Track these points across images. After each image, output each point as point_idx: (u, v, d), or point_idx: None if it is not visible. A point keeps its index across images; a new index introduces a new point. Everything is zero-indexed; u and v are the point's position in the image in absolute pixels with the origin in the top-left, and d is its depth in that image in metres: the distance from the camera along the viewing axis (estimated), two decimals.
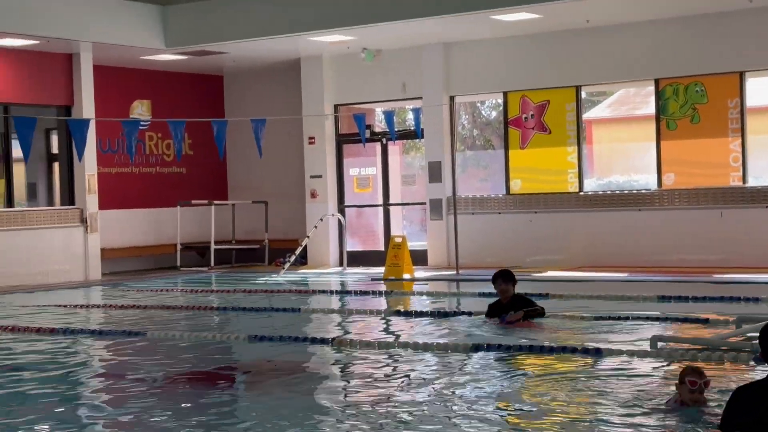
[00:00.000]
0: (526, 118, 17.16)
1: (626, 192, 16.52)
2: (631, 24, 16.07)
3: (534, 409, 6.61)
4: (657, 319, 10.31)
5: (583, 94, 17.17)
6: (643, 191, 16.36)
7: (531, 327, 9.82)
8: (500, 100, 17.82)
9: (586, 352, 8.34)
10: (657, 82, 16.11)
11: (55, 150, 18.15)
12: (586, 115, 18.78)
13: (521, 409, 6.64)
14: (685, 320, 10.11)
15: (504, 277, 10.16)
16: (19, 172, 17.39)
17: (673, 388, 6.41)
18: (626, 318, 10.32)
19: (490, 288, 13.49)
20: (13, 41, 16.14)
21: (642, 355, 8.15)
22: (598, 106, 23.14)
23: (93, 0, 16.41)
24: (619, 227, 16.23)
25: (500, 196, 17.38)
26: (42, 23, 15.72)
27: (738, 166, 15.54)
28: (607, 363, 8.00)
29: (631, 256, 15.99)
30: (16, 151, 16.46)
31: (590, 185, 17.34)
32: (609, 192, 16.76)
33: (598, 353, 8.26)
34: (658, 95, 16.11)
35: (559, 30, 16.53)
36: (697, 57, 15.71)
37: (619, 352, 8.24)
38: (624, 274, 14.85)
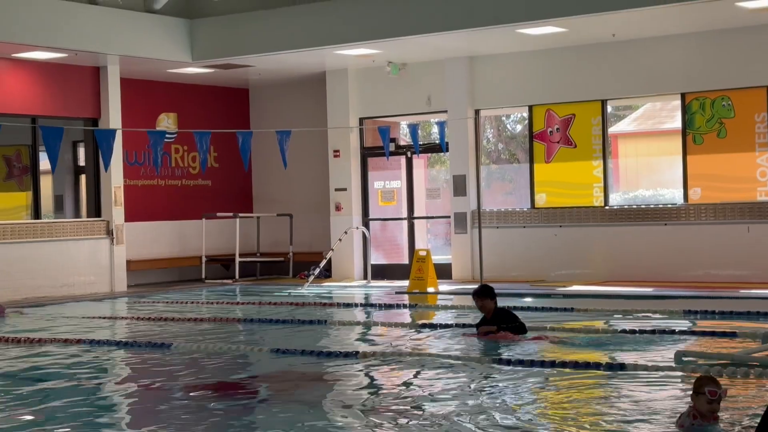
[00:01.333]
0: (551, 131, 17.13)
1: (652, 206, 16.43)
2: (657, 38, 16.02)
3: (553, 423, 6.57)
4: (682, 333, 10.25)
5: (609, 108, 17.12)
6: (669, 206, 16.27)
7: (509, 338, 9.81)
8: (525, 114, 17.79)
9: (609, 366, 8.29)
10: (683, 96, 16.04)
11: (81, 162, 18.27)
12: (612, 129, 18.71)
13: (540, 423, 6.60)
14: (711, 335, 10.04)
15: (478, 294, 10.19)
16: (46, 184, 17.52)
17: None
18: (651, 332, 10.27)
19: (515, 302, 13.56)
20: (41, 54, 16.28)
21: (666, 370, 8.09)
22: (624, 120, 23.06)
23: (120, 13, 16.54)
24: (644, 242, 16.15)
25: (525, 209, 17.34)
26: (70, 36, 15.86)
27: (765, 180, 15.44)
28: (630, 378, 7.94)
29: (657, 271, 15.91)
30: (44, 163, 16.62)
31: (616, 199, 17.27)
32: (635, 206, 16.68)
33: (621, 368, 8.21)
34: (685, 109, 16.03)
35: (584, 44, 16.50)
36: (723, 71, 15.64)
37: (644, 367, 8.19)
38: (649, 289, 14.77)
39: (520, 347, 9.59)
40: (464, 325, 11.35)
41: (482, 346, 9.79)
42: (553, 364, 8.53)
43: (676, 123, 16.73)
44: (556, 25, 15.15)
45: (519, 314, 10.50)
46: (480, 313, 10.36)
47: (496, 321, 10.08)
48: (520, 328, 10.06)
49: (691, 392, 6.17)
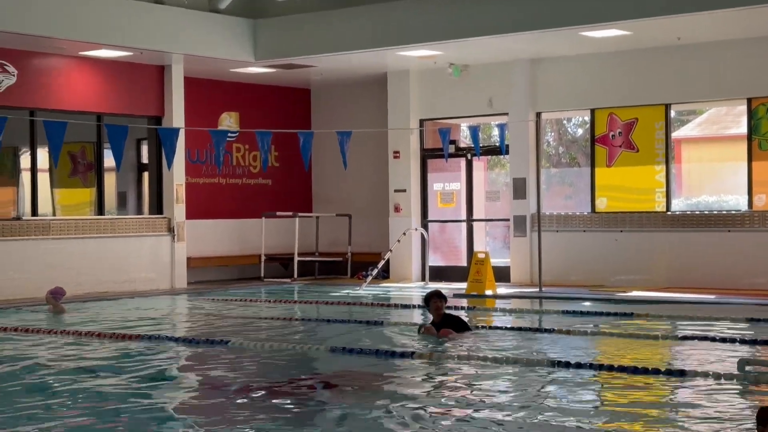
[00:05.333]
0: (613, 135, 16.97)
1: (715, 212, 16.21)
2: (723, 42, 15.79)
3: (607, 429, 6.50)
4: (745, 341, 10.09)
5: (673, 113, 16.92)
6: (732, 212, 16.04)
7: (453, 335, 10.46)
8: (587, 117, 17.65)
9: (669, 373, 8.19)
10: (749, 101, 15.79)
11: (145, 160, 18.49)
12: (675, 134, 18.47)
13: (594, 429, 6.53)
14: None
15: (438, 296, 10.79)
16: (110, 180, 17.76)
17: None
18: (713, 339, 10.13)
19: (575, 306, 13.49)
20: (107, 52, 16.51)
21: (729, 378, 7.97)
22: (688, 125, 22.76)
23: (185, 13, 16.72)
24: (707, 248, 15.92)
25: (585, 214, 17.19)
26: (135, 35, 16.06)
27: None
28: (691, 385, 7.84)
29: (720, 278, 15.67)
30: (108, 160, 16.86)
31: (678, 205, 17.06)
32: (698, 212, 16.46)
33: (681, 374, 8.11)
34: (751, 114, 15.79)
35: (649, 47, 16.32)
36: None
37: (705, 375, 8.07)
38: (712, 296, 14.56)
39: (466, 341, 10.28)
40: (521, 329, 11.32)
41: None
42: (611, 368, 8.45)
43: (742, 128, 16.48)
44: (620, 28, 15.00)
45: (573, 318, 10.51)
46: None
47: (444, 322, 10.71)
48: (461, 326, 10.80)
49: (757, 425, 6.01)
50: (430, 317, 10.96)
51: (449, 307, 13.85)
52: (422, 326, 10.92)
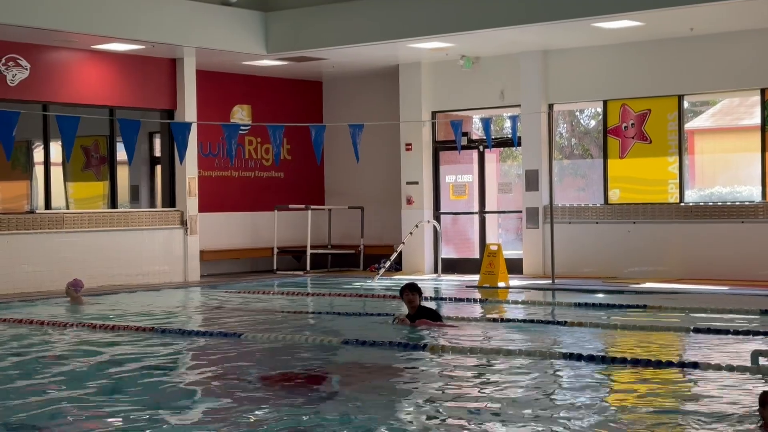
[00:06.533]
0: (626, 127, 16.92)
1: (729, 204, 16.15)
2: (736, 32, 15.72)
3: (620, 421, 6.50)
4: (758, 333, 10.06)
5: (686, 104, 16.86)
6: (746, 203, 15.98)
7: (430, 325, 10.62)
8: (600, 109, 17.61)
9: (682, 365, 8.18)
10: (763, 91, 15.72)
11: (157, 153, 18.52)
12: (689, 125, 18.42)
13: (607, 421, 6.53)
14: None
15: (411, 289, 10.88)
16: (122, 174, 17.80)
17: None
18: (726, 331, 10.10)
19: (588, 298, 13.46)
20: (119, 46, 16.54)
21: (742, 370, 7.95)
22: (701, 116, 22.68)
23: (197, 6, 16.73)
24: (720, 239, 15.88)
25: (598, 205, 17.16)
26: (147, 28, 16.09)
27: None
28: (704, 377, 7.82)
29: (733, 269, 15.62)
30: (121, 153, 16.90)
31: (691, 196, 17.01)
32: (711, 203, 16.41)
33: (695, 366, 8.09)
34: (764, 105, 15.72)
35: (661, 38, 16.26)
36: None
37: (718, 367, 8.05)
38: (725, 287, 14.53)
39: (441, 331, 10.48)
40: (531, 321, 11.31)
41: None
42: (624, 360, 8.44)
43: (755, 119, 16.42)
44: (633, 19, 14.94)
45: (585, 311, 10.53)
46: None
47: (419, 314, 10.81)
48: (437, 319, 10.92)
49: (758, 407, 6.04)
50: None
51: (464, 299, 13.88)
52: (396, 317, 11.00)
